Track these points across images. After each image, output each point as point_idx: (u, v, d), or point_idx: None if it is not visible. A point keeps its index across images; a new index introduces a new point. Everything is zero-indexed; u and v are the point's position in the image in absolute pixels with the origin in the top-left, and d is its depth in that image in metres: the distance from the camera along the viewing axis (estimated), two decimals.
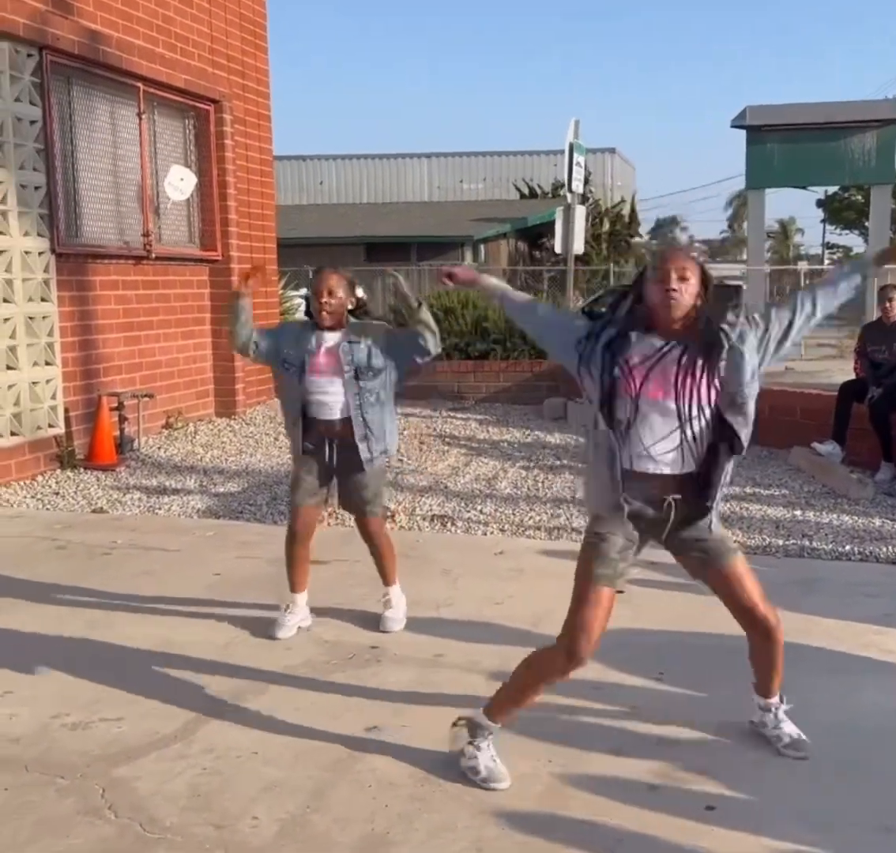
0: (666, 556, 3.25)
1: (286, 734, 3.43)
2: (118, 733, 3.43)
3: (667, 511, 3.00)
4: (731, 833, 2.85)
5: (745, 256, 26.25)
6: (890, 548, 5.62)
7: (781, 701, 3.34)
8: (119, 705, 3.65)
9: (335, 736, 3.42)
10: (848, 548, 5.62)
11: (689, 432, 2.93)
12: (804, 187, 27.36)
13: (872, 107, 21.69)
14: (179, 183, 8.86)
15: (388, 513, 6.34)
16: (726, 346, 2.93)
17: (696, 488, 2.99)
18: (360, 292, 4.30)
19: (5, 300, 7.01)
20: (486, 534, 6.00)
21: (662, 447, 2.93)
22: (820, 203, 43.48)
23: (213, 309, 9.72)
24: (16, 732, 3.46)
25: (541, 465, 7.78)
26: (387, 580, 4.56)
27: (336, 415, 4.19)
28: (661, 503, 2.99)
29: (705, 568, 3.11)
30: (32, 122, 7.34)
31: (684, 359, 2.91)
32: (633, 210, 29.74)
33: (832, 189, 38.28)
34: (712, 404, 2.94)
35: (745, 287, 15.73)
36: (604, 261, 25.03)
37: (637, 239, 32.42)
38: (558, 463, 7.87)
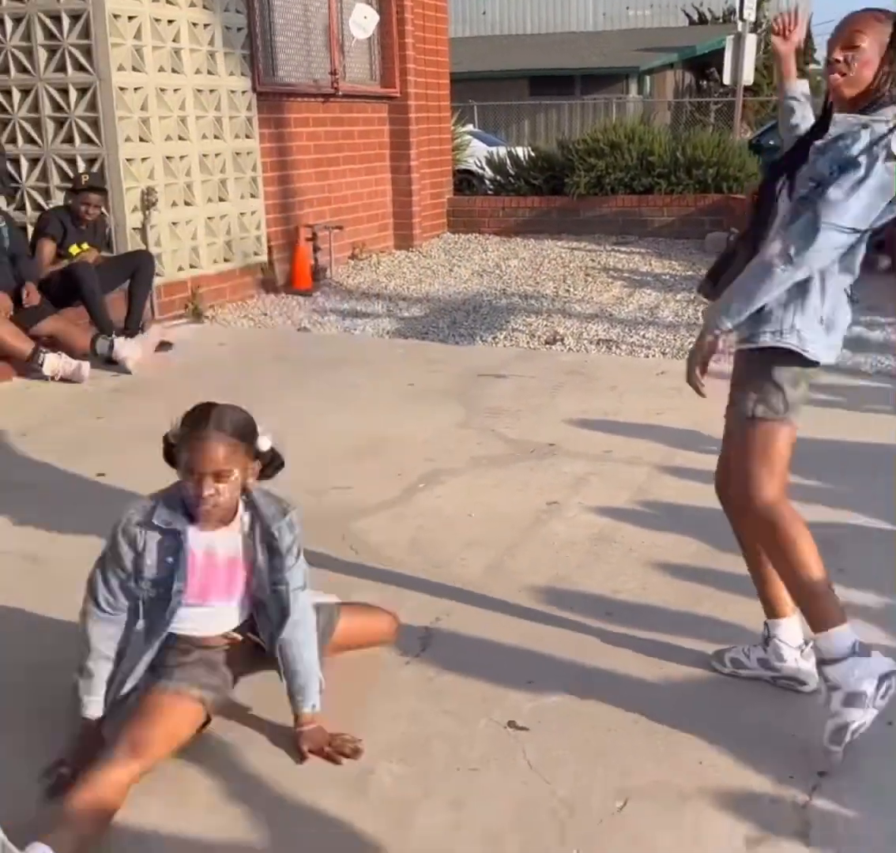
0: None
1: (482, 504, 4.21)
2: (349, 498, 4.27)
3: None
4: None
5: None
6: None
7: None
8: (347, 478, 4.49)
9: (522, 507, 4.17)
10: None
11: None
12: None
13: None
14: (363, 21, 9.29)
15: (558, 337, 6.98)
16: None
17: None
18: (265, 441, 2.53)
19: (216, 136, 7.77)
20: (648, 356, 6.58)
21: None
22: None
23: (392, 146, 10.31)
24: None
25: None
26: None
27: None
28: None
29: None
30: None
31: None
32: (808, 35, 28.35)
33: None
34: None
35: None
36: (774, 91, 24.22)
37: (813, 66, 30.94)
38: None
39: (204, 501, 2.38)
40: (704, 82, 25.04)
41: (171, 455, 2.48)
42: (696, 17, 29.14)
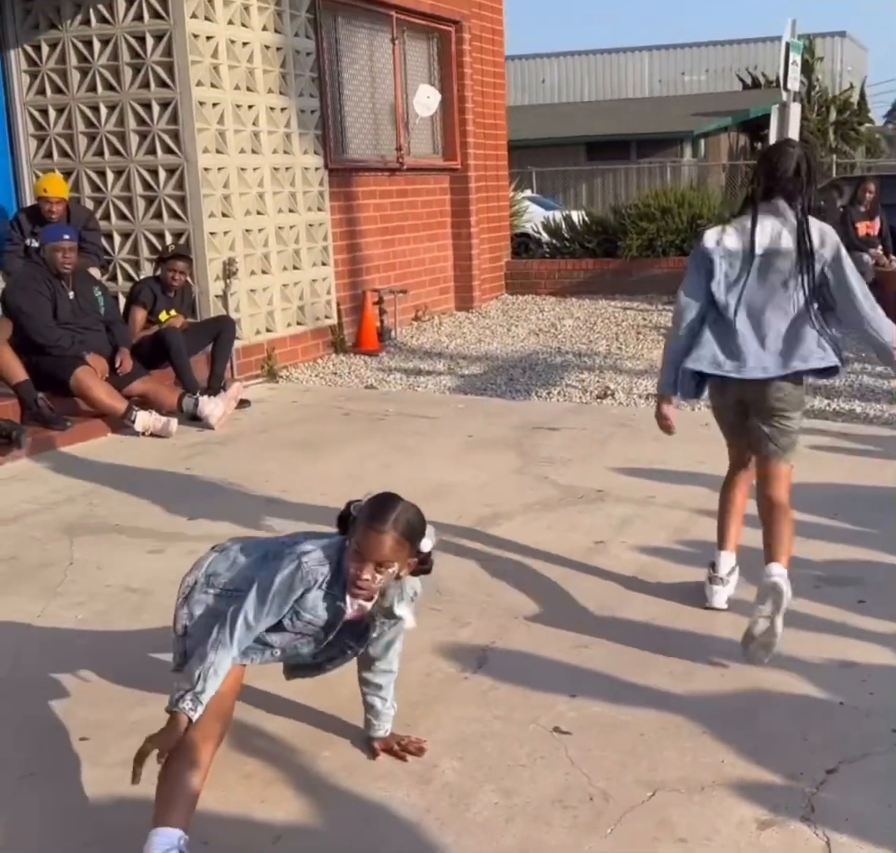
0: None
1: (535, 543, 4.61)
2: None
3: None
4: None
5: None
6: None
7: None
8: None
9: (571, 545, 4.56)
10: None
11: None
12: None
13: None
14: (426, 100, 9.97)
15: (609, 392, 7.41)
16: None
17: None
18: (428, 543, 2.77)
19: (291, 210, 8.44)
20: (694, 409, 6.96)
21: None
22: None
23: (452, 213, 10.96)
24: None
25: None
26: None
27: None
28: None
29: None
30: (308, 54, 8.61)
31: None
32: (862, 96, 28.79)
33: None
34: None
35: None
36: (828, 152, 24.63)
37: (867, 125, 31.33)
38: None
39: (360, 584, 2.66)
40: (759, 144, 25.57)
41: (344, 521, 2.76)
42: (749, 81, 29.75)
